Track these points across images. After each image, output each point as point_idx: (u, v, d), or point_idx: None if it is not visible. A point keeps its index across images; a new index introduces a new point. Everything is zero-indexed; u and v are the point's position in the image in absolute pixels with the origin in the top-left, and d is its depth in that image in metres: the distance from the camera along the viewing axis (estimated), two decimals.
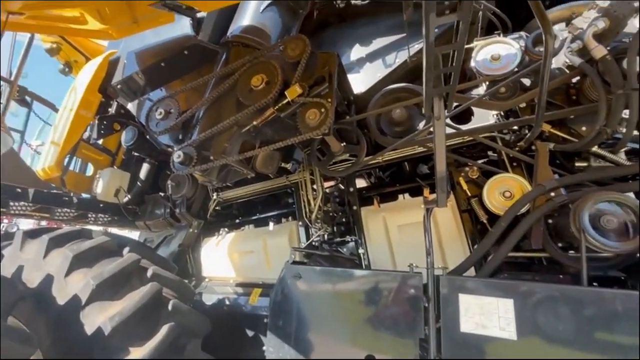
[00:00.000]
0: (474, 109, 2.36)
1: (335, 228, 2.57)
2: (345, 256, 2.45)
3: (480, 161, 2.31)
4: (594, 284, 1.68)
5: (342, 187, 2.76)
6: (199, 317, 2.12)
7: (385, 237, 2.38)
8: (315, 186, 2.69)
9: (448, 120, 2.32)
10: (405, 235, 2.28)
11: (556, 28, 2.08)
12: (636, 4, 1.74)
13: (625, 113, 1.68)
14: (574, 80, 1.92)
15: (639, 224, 1.45)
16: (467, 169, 2.21)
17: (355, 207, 2.62)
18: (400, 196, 2.63)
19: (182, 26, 2.53)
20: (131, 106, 3.05)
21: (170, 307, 2.03)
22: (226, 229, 3.16)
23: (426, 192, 2.36)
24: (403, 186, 2.71)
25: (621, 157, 1.87)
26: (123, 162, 3.53)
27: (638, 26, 1.74)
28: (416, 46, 2.24)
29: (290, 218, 2.97)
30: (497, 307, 1.47)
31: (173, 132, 2.22)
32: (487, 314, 1.47)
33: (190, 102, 2.29)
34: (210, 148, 2.00)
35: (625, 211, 1.52)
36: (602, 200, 1.53)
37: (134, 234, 3.75)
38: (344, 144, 2.24)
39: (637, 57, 1.64)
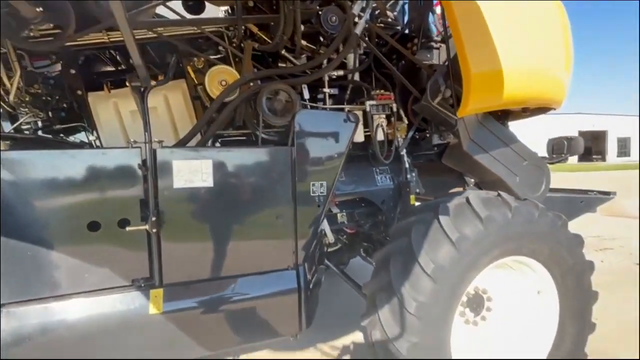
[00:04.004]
0: (208, 4, 2.50)
1: (51, 114, 2.27)
2: (71, 142, 2.29)
3: (216, 57, 2.56)
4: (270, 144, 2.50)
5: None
6: None
7: (118, 123, 2.38)
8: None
9: (179, 8, 2.37)
10: (138, 120, 2.37)
11: None
12: None
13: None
14: None
15: (291, 106, 2.24)
16: (195, 59, 2.44)
17: (80, 92, 2.37)
18: None
19: None
20: None
21: None
22: None
23: (160, 77, 2.45)
24: None
25: (300, 61, 2.65)
26: None
27: None
28: None
29: None
30: (201, 167, 1.97)
31: None
32: (194, 173, 1.95)
33: None
34: None
35: (287, 97, 2.28)
36: (274, 88, 2.21)
37: None
38: (41, 9, 1.86)
39: None
